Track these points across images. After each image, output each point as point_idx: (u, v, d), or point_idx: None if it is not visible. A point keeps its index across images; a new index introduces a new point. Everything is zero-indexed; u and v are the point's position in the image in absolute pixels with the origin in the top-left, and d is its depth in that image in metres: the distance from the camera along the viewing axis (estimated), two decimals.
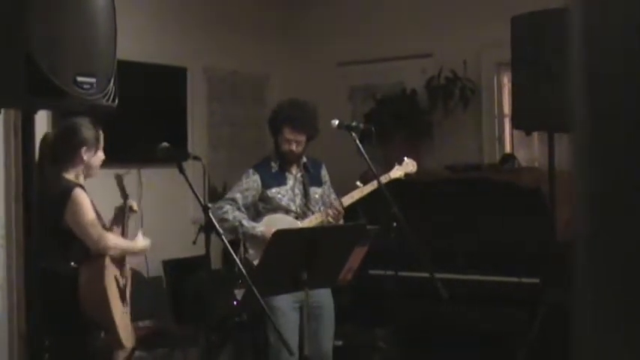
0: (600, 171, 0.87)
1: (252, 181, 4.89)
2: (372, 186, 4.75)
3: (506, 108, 7.02)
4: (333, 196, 5.08)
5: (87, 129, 4.21)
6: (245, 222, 4.78)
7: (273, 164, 4.95)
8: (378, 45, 7.49)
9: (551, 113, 4.10)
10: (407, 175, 4.98)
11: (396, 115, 7.08)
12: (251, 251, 4.74)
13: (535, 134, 5.64)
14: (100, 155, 4.28)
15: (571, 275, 0.90)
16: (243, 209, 4.85)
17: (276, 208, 4.88)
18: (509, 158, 6.78)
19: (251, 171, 4.94)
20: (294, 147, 4.85)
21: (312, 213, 4.92)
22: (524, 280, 5.54)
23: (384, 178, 4.78)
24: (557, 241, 4.60)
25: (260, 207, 4.91)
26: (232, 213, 4.78)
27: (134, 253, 4.36)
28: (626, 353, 0.84)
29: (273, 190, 4.88)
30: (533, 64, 4.26)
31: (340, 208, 4.84)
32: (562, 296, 4.39)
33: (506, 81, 6.91)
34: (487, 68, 7.09)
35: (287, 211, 4.88)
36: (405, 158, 5.05)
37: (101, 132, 4.28)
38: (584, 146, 0.89)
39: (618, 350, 0.85)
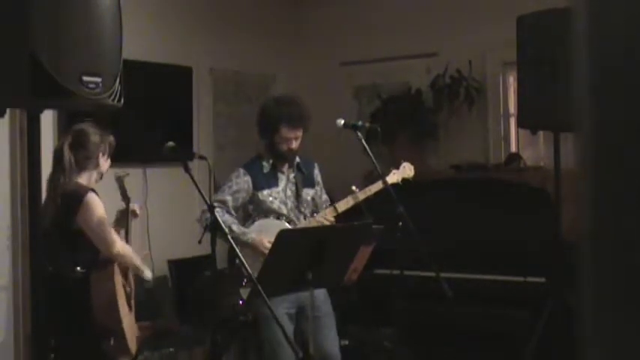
0: (605, 170, 0.87)
1: (243, 182, 4.69)
2: (366, 193, 4.68)
3: (512, 107, 7.02)
4: (324, 197, 4.96)
5: (101, 135, 4.24)
6: (235, 227, 4.58)
7: (264, 164, 4.75)
8: (383, 44, 7.49)
9: (556, 112, 4.10)
10: (404, 180, 4.91)
11: (401, 114, 7.08)
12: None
13: (541, 134, 5.63)
14: (109, 161, 4.31)
15: (576, 275, 0.89)
16: (232, 212, 4.67)
17: (267, 211, 4.70)
18: (514, 158, 6.77)
19: (242, 171, 4.72)
20: (293, 144, 4.70)
21: (304, 215, 4.78)
22: (530, 279, 5.54)
23: (379, 185, 4.69)
24: (562, 241, 4.59)
25: (250, 209, 4.74)
26: (222, 217, 4.50)
27: (134, 267, 4.33)
28: (631, 353, 0.84)
29: (265, 192, 4.69)
30: (538, 63, 4.26)
31: (331, 219, 4.72)
32: (567, 296, 4.38)
33: (512, 80, 6.91)
34: (492, 68, 7.09)
35: (278, 215, 4.72)
36: (403, 162, 4.98)
37: (112, 138, 4.30)
38: (590, 146, 0.89)
39: (624, 349, 0.85)
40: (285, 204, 4.75)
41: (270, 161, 4.76)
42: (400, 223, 4.35)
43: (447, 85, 7.06)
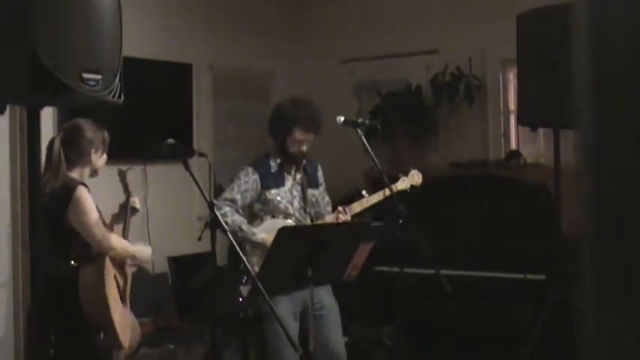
0: (605, 168, 0.87)
1: (251, 181, 4.68)
2: (378, 197, 4.71)
3: (512, 104, 7.02)
4: (327, 198, 4.96)
5: (95, 131, 4.24)
6: (245, 227, 4.59)
7: (272, 163, 4.74)
8: (383, 41, 7.48)
9: (556, 110, 4.10)
10: (413, 187, 4.92)
11: (401, 111, 7.08)
12: (252, 258, 4.57)
13: (541, 131, 5.63)
14: (105, 157, 4.30)
15: (576, 272, 0.90)
16: (241, 211, 4.67)
17: (274, 210, 4.70)
18: (514, 155, 6.77)
19: (250, 170, 4.72)
20: (304, 147, 4.70)
21: (309, 216, 4.79)
22: (530, 276, 5.54)
23: (388, 192, 4.72)
24: (562, 238, 4.60)
25: (256, 208, 4.73)
26: (231, 216, 4.58)
27: (134, 258, 4.34)
28: (631, 351, 0.84)
29: (273, 191, 4.69)
30: (538, 60, 4.26)
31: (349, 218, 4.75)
32: (567, 293, 4.38)
33: (512, 77, 6.90)
34: (492, 65, 7.08)
35: (285, 214, 4.71)
36: (411, 169, 4.99)
37: (107, 134, 4.30)
38: (590, 143, 0.89)
39: (623, 348, 0.85)
40: (292, 203, 4.74)
41: (278, 161, 4.76)
42: (400, 221, 4.36)
43: (446, 82, 7.05)
